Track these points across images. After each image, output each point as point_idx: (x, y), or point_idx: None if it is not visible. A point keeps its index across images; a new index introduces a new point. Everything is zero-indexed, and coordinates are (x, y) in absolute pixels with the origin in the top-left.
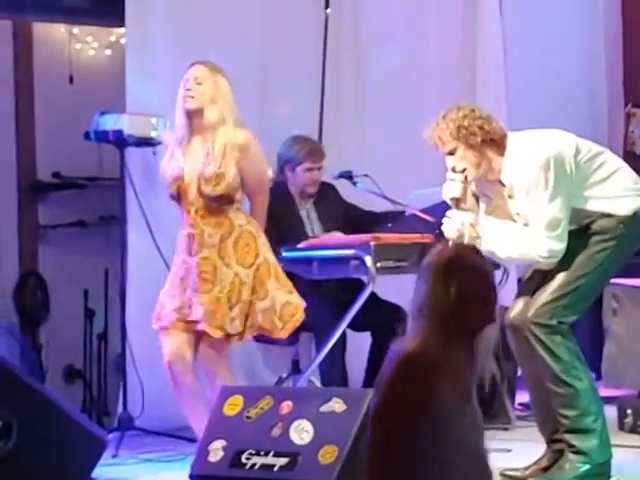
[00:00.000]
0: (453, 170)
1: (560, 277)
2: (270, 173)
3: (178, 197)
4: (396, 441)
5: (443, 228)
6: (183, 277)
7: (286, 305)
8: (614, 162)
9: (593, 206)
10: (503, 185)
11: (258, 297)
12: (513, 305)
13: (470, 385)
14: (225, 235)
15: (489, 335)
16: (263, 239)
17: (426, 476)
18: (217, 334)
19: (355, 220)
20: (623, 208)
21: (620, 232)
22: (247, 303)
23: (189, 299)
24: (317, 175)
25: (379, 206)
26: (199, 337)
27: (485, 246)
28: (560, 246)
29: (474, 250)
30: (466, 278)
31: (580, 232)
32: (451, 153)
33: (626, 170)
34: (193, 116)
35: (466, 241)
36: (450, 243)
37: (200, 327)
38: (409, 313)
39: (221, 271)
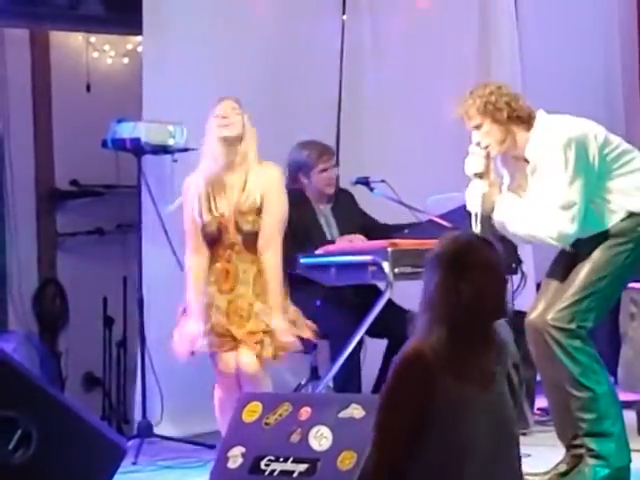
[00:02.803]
0: (478, 145)
1: (579, 280)
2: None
3: (218, 234)
4: (399, 434)
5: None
6: (209, 305)
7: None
8: None
9: (614, 199)
10: (527, 162)
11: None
12: (532, 307)
13: (483, 379)
14: (261, 272)
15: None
16: None
17: (433, 474)
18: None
19: (370, 231)
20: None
21: (638, 235)
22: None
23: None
24: (332, 173)
25: (396, 212)
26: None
27: (497, 217)
28: (571, 230)
29: (484, 242)
30: (474, 270)
31: (597, 236)
32: (477, 128)
33: None
34: (229, 146)
35: (480, 211)
36: (456, 234)
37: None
38: (418, 306)
39: (257, 307)
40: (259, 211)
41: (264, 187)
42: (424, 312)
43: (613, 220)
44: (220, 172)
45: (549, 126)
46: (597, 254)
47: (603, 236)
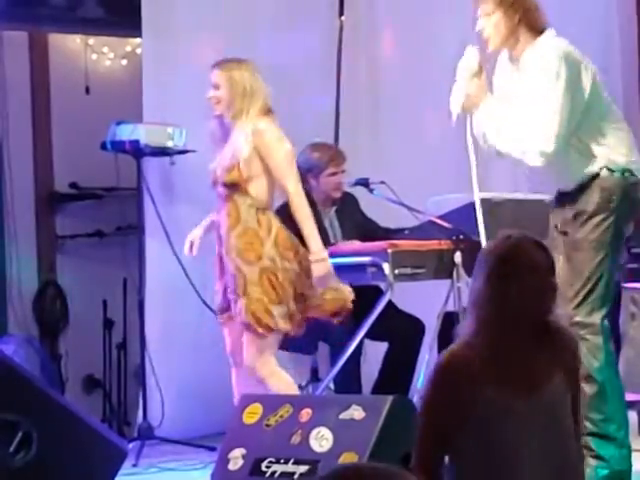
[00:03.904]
0: (480, 33)
1: (580, 271)
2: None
3: (214, 187)
4: (434, 436)
5: (451, 99)
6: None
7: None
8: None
9: (599, 148)
10: (517, 67)
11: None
12: None
13: (532, 381)
14: (230, 227)
15: None
16: (272, 243)
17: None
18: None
19: (371, 235)
20: (620, 161)
21: (613, 206)
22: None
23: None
24: (341, 178)
25: (395, 213)
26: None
27: (478, 123)
28: (549, 148)
29: (533, 242)
30: (523, 270)
31: (577, 223)
32: (486, 15)
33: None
34: (222, 119)
35: (460, 110)
36: (506, 234)
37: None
38: (466, 307)
39: (225, 263)
40: (235, 166)
41: (250, 141)
42: (471, 311)
43: (590, 168)
44: (219, 139)
45: (554, 40)
46: (585, 239)
47: (582, 223)
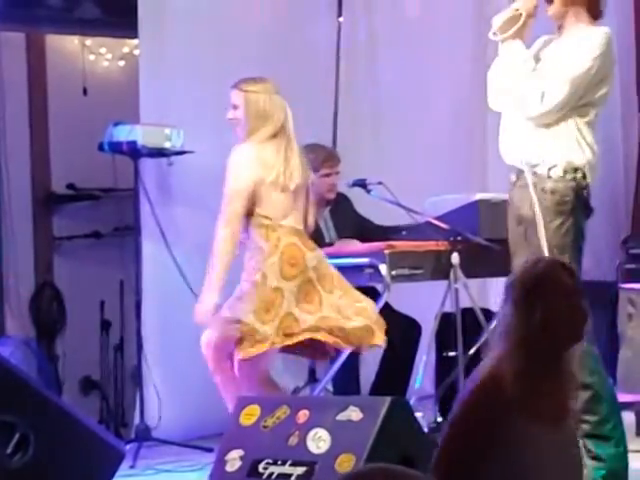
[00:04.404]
0: None
1: None
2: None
3: None
4: (464, 469)
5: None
6: None
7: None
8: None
9: (569, 133)
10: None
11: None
12: None
13: (557, 414)
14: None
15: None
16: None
17: None
18: None
19: (366, 233)
20: (578, 160)
21: (568, 208)
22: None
23: None
24: (335, 180)
25: (393, 214)
26: None
27: (502, 55)
28: (541, 109)
29: (562, 266)
30: (553, 297)
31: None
32: None
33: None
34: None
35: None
36: (537, 258)
37: None
38: (494, 336)
39: None
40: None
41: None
42: (500, 337)
43: (551, 158)
44: None
45: (605, 31)
46: (549, 242)
47: (546, 218)
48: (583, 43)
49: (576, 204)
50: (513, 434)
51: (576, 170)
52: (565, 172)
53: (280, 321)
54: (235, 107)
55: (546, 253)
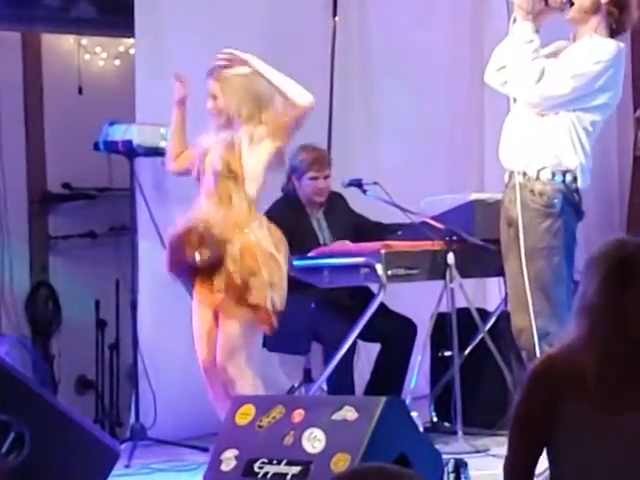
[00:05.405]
0: None
1: (541, 279)
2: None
3: None
4: (519, 440)
5: None
6: None
7: None
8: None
9: (562, 136)
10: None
11: None
12: (513, 308)
13: (624, 397)
14: None
15: None
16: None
17: None
18: None
19: (363, 231)
20: (570, 162)
21: (556, 210)
22: None
23: None
24: (322, 184)
25: (389, 214)
26: None
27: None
28: (533, 91)
29: None
30: None
31: (530, 226)
32: None
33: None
34: None
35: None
36: (622, 238)
37: None
38: (574, 310)
39: None
40: None
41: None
42: (579, 317)
43: (540, 160)
44: None
45: (619, 44)
46: (538, 244)
47: (536, 224)
48: (594, 50)
49: (565, 206)
50: (571, 418)
51: (566, 173)
52: (554, 174)
53: None
54: (214, 98)
55: (523, 257)
